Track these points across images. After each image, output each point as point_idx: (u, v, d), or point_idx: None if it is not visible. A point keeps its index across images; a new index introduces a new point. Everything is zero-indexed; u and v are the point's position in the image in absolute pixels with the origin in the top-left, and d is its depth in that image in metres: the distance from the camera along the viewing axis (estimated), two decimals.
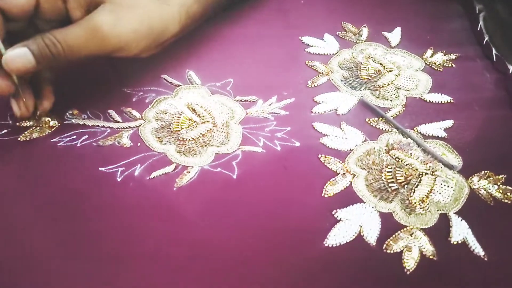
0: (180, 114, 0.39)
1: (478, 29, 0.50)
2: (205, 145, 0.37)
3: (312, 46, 0.48)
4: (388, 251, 0.31)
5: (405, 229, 0.32)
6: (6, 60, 0.32)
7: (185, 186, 0.34)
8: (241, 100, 0.41)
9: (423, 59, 0.47)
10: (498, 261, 0.30)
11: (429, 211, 0.33)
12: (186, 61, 0.45)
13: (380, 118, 0.40)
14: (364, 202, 0.34)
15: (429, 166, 0.36)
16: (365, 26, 0.51)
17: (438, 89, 0.43)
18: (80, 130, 0.38)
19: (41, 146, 0.37)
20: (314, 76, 0.45)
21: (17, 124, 0.38)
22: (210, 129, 0.38)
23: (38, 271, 0.29)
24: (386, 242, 0.31)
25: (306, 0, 0.55)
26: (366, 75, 0.45)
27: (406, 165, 0.36)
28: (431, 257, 0.31)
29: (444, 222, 0.33)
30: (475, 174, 0.36)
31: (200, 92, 0.42)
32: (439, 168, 0.36)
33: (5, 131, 0.37)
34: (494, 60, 0.46)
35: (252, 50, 0.47)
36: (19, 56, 0.32)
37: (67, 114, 0.39)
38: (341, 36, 0.50)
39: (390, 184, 0.35)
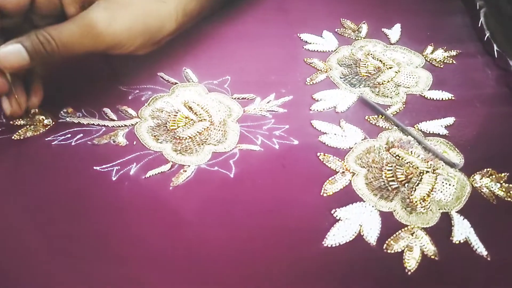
0: (177, 112, 0.39)
1: (479, 25, 0.49)
2: (202, 144, 0.36)
3: (310, 43, 0.48)
4: (389, 251, 0.30)
5: (406, 228, 0.31)
6: (0, 57, 0.31)
7: (182, 185, 0.34)
8: (238, 98, 0.41)
9: (423, 55, 0.47)
10: (501, 260, 0.30)
11: (431, 210, 0.33)
12: (183, 59, 0.45)
13: (380, 116, 0.40)
14: (364, 201, 0.33)
15: (430, 164, 0.35)
16: (364, 23, 0.51)
17: (439, 86, 0.43)
18: (75, 129, 0.37)
19: (35, 145, 0.36)
20: (313, 73, 0.44)
21: (11, 122, 0.38)
22: (207, 127, 0.38)
23: (31, 271, 0.29)
24: (387, 242, 0.31)
25: None
26: (366, 72, 0.44)
27: (407, 163, 0.35)
28: (432, 257, 0.30)
29: (445, 221, 0.32)
30: (477, 172, 0.35)
31: (197, 90, 0.41)
32: (440, 166, 0.35)
33: None
34: (496, 56, 0.46)
35: (250, 47, 0.47)
36: (13, 53, 0.32)
37: (61, 112, 0.39)
38: (340, 33, 0.49)
39: (391, 183, 0.34)
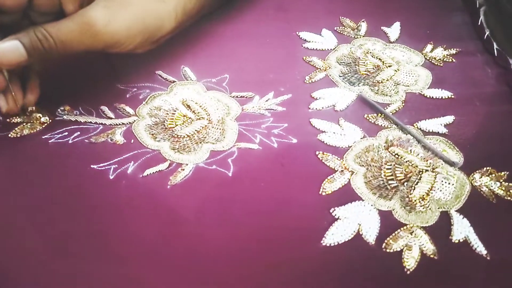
0: (175, 111, 0.39)
1: (479, 23, 0.49)
2: (200, 142, 0.36)
3: (309, 42, 0.47)
4: (388, 250, 0.30)
5: (405, 227, 0.31)
6: None
7: (179, 184, 0.33)
8: (237, 96, 0.41)
9: (422, 54, 0.46)
10: (501, 260, 0.30)
11: (430, 209, 0.32)
12: (181, 57, 0.45)
13: (379, 114, 0.40)
14: (363, 200, 0.33)
15: (430, 163, 0.35)
16: (363, 21, 0.50)
17: (438, 84, 0.43)
18: (72, 127, 0.37)
19: (32, 142, 0.36)
20: (312, 71, 0.44)
21: (8, 120, 0.37)
22: (205, 125, 0.38)
23: (28, 269, 0.28)
24: (386, 241, 0.30)
25: None
26: (365, 71, 0.44)
27: (406, 162, 0.35)
28: (432, 256, 0.30)
29: (445, 220, 0.32)
30: (477, 171, 0.35)
31: (195, 88, 0.41)
32: (440, 165, 0.35)
33: None
34: (495, 54, 0.45)
35: (249, 45, 0.47)
36: (11, 49, 0.31)
37: (58, 110, 0.38)
38: (339, 31, 0.49)
39: (390, 182, 0.34)
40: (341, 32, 0.49)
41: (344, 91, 0.42)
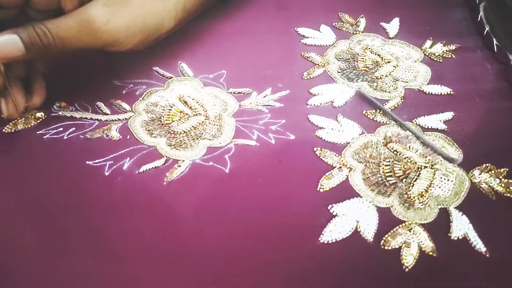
0: (171, 107, 0.38)
1: (479, 19, 0.49)
2: (197, 138, 0.36)
3: (308, 37, 0.47)
4: (386, 247, 0.30)
5: (403, 224, 0.31)
6: None
7: (176, 181, 0.33)
8: (234, 92, 0.40)
9: (422, 50, 0.46)
10: (500, 257, 0.30)
11: (429, 205, 0.32)
12: (179, 53, 0.44)
13: (378, 110, 0.39)
14: (361, 197, 0.33)
15: (429, 159, 0.35)
16: (362, 17, 0.50)
17: (438, 80, 0.42)
18: (67, 122, 0.37)
19: (26, 138, 0.36)
20: (310, 67, 0.43)
21: (1, 115, 0.37)
22: (202, 121, 0.37)
23: (23, 266, 0.28)
24: (384, 238, 0.30)
25: None
26: (364, 67, 0.43)
27: (405, 158, 0.35)
28: (430, 253, 0.30)
29: (444, 217, 0.32)
30: (476, 168, 0.35)
31: (192, 84, 0.41)
32: (439, 161, 0.35)
33: None
34: (495, 50, 0.45)
35: (246, 41, 0.46)
36: (8, 43, 0.31)
37: (54, 106, 0.38)
38: (338, 27, 0.49)
39: (388, 178, 0.34)
40: (340, 28, 0.49)
41: (342, 87, 0.41)
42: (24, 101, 0.36)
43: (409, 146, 0.36)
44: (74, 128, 0.36)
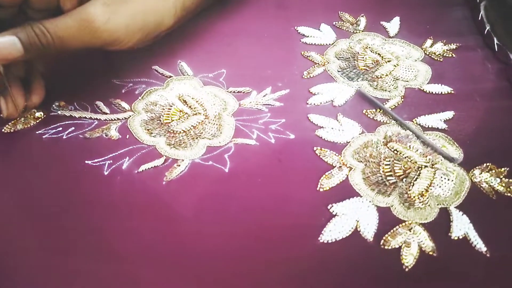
0: (171, 106, 0.38)
1: (479, 18, 0.49)
2: (196, 138, 0.36)
3: (308, 36, 0.47)
4: (386, 247, 0.30)
5: (403, 224, 0.31)
6: None
7: (175, 180, 0.33)
8: (234, 91, 0.40)
9: (422, 49, 0.46)
10: (501, 257, 0.30)
11: (429, 205, 0.32)
12: (178, 52, 0.44)
13: (378, 110, 0.39)
14: (361, 196, 0.32)
15: (429, 159, 0.35)
16: (362, 16, 0.50)
17: (438, 79, 0.42)
18: (67, 122, 0.37)
19: (25, 138, 0.36)
20: (310, 66, 0.43)
21: (1, 115, 0.37)
22: (202, 121, 0.37)
23: (21, 266, 0.28)
24: (384, 238, 0.30)
25: None
26: (364, 66, 0.43)
27: (405, 157, 0.35)
28: (430, 253, 0.29)
29: (444, 216, 0.31)
30: (477, 167, 0.34)
31: (192, 83, 0.41)
32: (439, 160, 0.35)
33: None
34: (496, 49, 0.45)
35: (246, 40, 0.46)
36: (7, 44, 0.31)
37: (53, 105, 0.38)
38: (338, 26, 0.49)
39: (388, 178, 0.33)
40: (340, 27, 0.48)
41: (342, 86, 0.41)
42: (24, 101, 0.35)
43: (410, 146, 0.36)
44: (73, 128, 0.36)
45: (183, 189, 0.32)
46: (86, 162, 0.34)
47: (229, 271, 0.29)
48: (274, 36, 0.47)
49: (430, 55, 0.45)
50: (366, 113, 0.39)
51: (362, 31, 0.48)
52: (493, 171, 0.34)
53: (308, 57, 0.44)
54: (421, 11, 0.51)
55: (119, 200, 0.32)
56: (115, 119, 0.37)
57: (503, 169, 0.34)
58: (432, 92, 0.41)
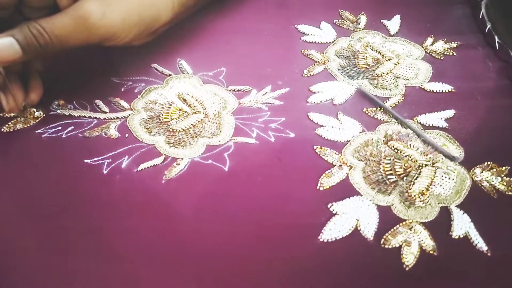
0: (170, 105, 0.38)
1: (480, 16, 0.48)
2: (196, 136, 0.36)
3: (308, 35, 0.47)
4: (386, 246, 0.30)
5: (404, 223, 0.31)
6: None
7: (174, 179, 0.33)
8: (234, 90, 0.40)
9: (423, 47, 0.46)
10: (502, 256, 0.29)
11: (429, 204, 0.32)
12: (178, 50, 0.44)
13: (379, 108, 0.39)
14: (361, 195, 0.32)
15: (429, 158, 0.34)
16: (363, 14, 0.50)
17: (439, 78, 0.42)
18: (66, 121, 0.37)
19: (25, 137, 0.36)
20: (310, 65, 0.43)
21: (1, 114, 0.37)
22: (201, 119, 0.37)
23: (20, 266, 0.28)
24: (384, 237, 0.30)
25: None
26: (364, 64, 0.43)
27: (405, 156, 0.35)
28: (431, 252, 0.29)
29: (445, 215, 0.31)
30: (478, 166, 0.34)
31: (192, 81, 0.41)
32: (440, 159, 0.34)
33: None
34: (497, 48, 0.45)
35: (246, 38, 0.46)
36: (5, 46, 0.31)
37: (53, 104, 0.38)
38: (338, 24, 0.48)
39: (389, 176, 0.33)
40: (340, 25, 0.48)
41: (343, 84, 0.41)
42: (23, 97, 0.35)
43: (410, 144, 0.35)
44: (72, 127, 0.36)
45: (182, 188, 0.32)
46: (85, 161, 0.34)
47: (229, 270, 0.28)
48: (274, 34, 0.47)
49: (430, 53, 0.45)
50: (367, 112, 0.39)
51: (363, 29, 0.48)
52: (494, 169, 0.34)
53: (308, 56, 0.44)
54: (421, 9, 0.51)
55: (118, 199, 0.32)
56: (114, 118, 0.37)
57: (504, 167, 0.34)
58: (432, 91, 0.41)
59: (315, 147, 0.35)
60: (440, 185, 0.33)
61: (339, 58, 0.44)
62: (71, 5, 0.33)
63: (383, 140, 0.36)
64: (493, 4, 0.49)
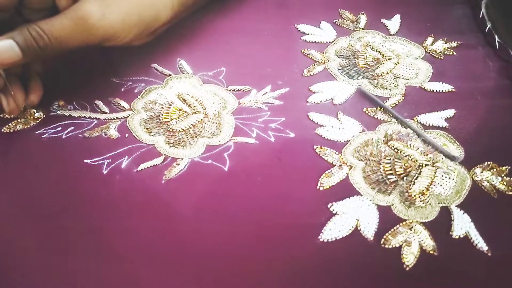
0: (170, 105, 0.38)
1: (480, 16, 0.48)
2: (196, 136, 0.36)
3: (308, 34, 0.47)
4: (387, 246, 0.30)
5: (404, 223, 0.31)
6: None
7: (174, 179, 0.33)
8: (234, 90, 0.40)
9: (423, 47, 0.46)
10: (502, 256, 0.29)
11: (430, 204, 0.32)
12: (178, 50, 0.44)
13: (379, 108, 0.39)
14: (362, 195, 0.32)
15: (430, 157, 0.34)
16: (363, 14, 0.50)
17: (439, 77, 0.42)
18: (66, 122, 0.37)
19: (25, 138, 0.36)
20: (310, 64, 0.43)
21: (1, 115, 0.37)
22: (201, 119, 0.37)
23: (20, 266, 0.28)
24: (384, 237, 0.30)
25: None
26: (364, 64, 0.43)
27: (406, 156, 0.34)
28: (431, 252, 0.29)
29: (445, 215, 0.31)
30: (478, 166, 0.34)
31: (192, 81, 0.41)
32: (440, 159, 0.34)
33: None
34: (497, 47, 0.45)
35: (246, 38, 0.46)
36: (5, 49, 0.31)
37: (53, 105, 0.38)
38: (338, 23, 0.48)
39: (389, 176, 0.33)
40: (340, 25, 0.48)
41: (343, 84, 0.41)
42: (23, 98, 0.35)
43: (410, 144, 0.35)
44: (72, 128, 0.36)
45: (182, 188, 0.32)
46: (85, 161, 0.33)
47: (229, 270, 0.28)
48: (274, 34, 0.47)
49: (431, 53, 0.45)
50: (367, 112, 0.39)
51: (363, 29, 0.48)
52: (494, 169, 0.34)
53: (308, 55, 0.44)
54: (421, 9, 0.51)
55: (118, 199, 0.32)
56: (114, 118, 0.37)
57: (504, 167, 0.34)
58: (433, 90, 0.41)
59: (315, 147, 0.35)
60: (440, 185, 0.33)
61: (339, 57, 0.44)
62: (70, 5, 0.33)
63: (383, 140, 0.36)
64: (493, 3, 0.49)
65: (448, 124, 0.38)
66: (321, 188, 0.33)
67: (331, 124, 0.37)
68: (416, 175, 0.33)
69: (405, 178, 0.33)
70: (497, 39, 0.45)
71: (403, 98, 0.40)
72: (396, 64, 0.43)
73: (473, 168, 0.34)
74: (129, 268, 0.28)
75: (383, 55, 0.44)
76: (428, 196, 0.32)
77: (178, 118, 0.37)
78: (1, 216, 0.30)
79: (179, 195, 0.32)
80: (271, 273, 0.28)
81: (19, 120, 0.36)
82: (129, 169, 0.33)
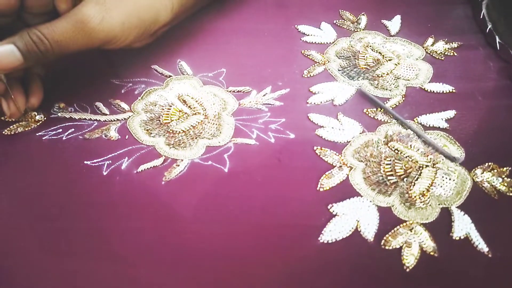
0: (170, 106, 0.38)
1: (481, 16, 0.48)
2: (196, 138, 0.36)
3: (308, 35, 0.47)
4: (387, 247, 0.29)
5: (404, 224, 0.31)
6: None
7: (174, 180, 0.33)
8: (234, 91, 0.40)
9: (423, 47, 0.46)
10: (503, 257, 0.29)
11: (430, 205, 0.32)
12: (178, 51, 0.44)
13: (379, 109, 0.39)
14: (362, 196, 0.32)
15: (430, 158, 0.34)
16: (363, 14, 0.50)
17: (439, 78, 0.42)
18: (66, 124, 0.37)
19: (25, 140, 0.36)
20: (310, 65, 0.43)
21: (2, 118, 0.37)
22: (201, 121, 0.37)
23: (20, 268, 0.28)
24: (385, 238, 0.30)
25: None
26: (364, 65, 0.43)
27: (406, 157, 0.34)
28: (432, 253, 0.29)
29: (445, 216, 0.31)
30: (478, 167, 0.34)
31: (192, 83, 0.41)
32: (441, 160, 0.34)
33: None
34: (498, 48, 0.45)
35: (246, 39, 0.46)
36: (6, 53, 0.31)
37: (53, 107, 0.38)
38: (338, 24, 0.48)
39: (389, 177, 0.33)
40: (341, 26, 0.48)
41: (343, 85, 0.41)
42: (24, 102, 0.36)
43: (411, 145, 0.35)
44: (73, 129, 0.36)
45: (182, 189, 0.32)
46: (85, 162, 0.34)
47: (229, 271, 0.28)
48: (274, 35, 0.47)
49: (431, 53, 0.45)
50: (367, 112, 0.38)
51: (363, 29, 0.48)
52: (495, 170, 0.34)
53: (308, 56, 0.44)
54: (422, 10, 0.51)
55: (118, 200, 0.32)
56: (114, 120, 0.37)
57: (505, 168, 0.34)
58: (433, 91, 0.41)
59: (315, 148, 0.35)
60: (441, 186, 0.33)
61: (339, 58, 0.44)
62: (69, 9, 0.33)
63: (384, 141, 0.36)
64: (494, 4, 0.49)
65: (448, 125, 0.37)
66: (321, 189, 0.33)
67: (331, 125, 0.37)
68: (417, 176, 0.33)
69: (405, 179, 0.33)
70: (497, 39, 0.45)
71: (403, 99, 0.40)
72: (396, 65, 0.43)
73: (474, 169, 0.34)
74: (129, 269, 0.28)
75: (383, 56, 0.44)
76: (429, 197, 0.32)
77: (178, 119, 0.37)
78: (2, 217, 0.30)
79: (179, 196, 0.32)
80: (271, 274, 0.28)
81: (20, 122, 0.37)
82: (129, 170, 0.33)
